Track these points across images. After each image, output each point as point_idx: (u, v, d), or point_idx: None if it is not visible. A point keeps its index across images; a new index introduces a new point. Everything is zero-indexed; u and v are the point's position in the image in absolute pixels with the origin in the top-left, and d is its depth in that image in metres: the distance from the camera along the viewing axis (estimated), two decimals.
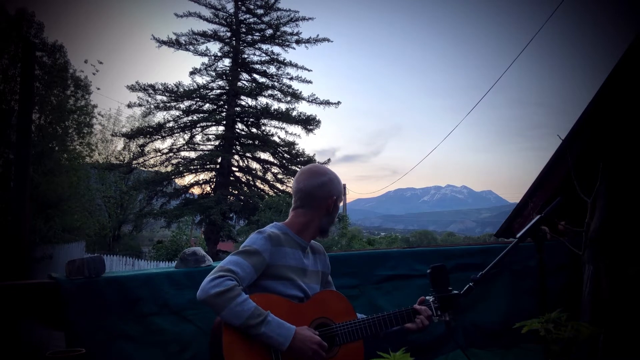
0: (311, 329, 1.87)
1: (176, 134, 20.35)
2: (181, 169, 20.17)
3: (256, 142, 20.30)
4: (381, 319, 2.02)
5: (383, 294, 2.61)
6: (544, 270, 1.82)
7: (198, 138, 20.74)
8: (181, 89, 19.76)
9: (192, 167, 20.42)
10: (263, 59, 20.98)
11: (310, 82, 20.89)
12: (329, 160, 22.00)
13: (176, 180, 20.66)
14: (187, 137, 20.43)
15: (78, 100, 18.67)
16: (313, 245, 2.18)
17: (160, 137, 20.19)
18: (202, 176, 20.91)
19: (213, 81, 20.49)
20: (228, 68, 20.48)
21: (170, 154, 20.50)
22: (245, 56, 20.86)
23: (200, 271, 2.26)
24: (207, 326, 2.04)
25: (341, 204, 2.20)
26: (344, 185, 19.97)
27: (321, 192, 2.04)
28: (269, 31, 20.43)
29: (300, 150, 20.79)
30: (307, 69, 20.84)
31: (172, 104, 19.95)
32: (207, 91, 20.47)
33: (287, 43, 20.61)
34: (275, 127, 20.77)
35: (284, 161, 21.02)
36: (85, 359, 1.67)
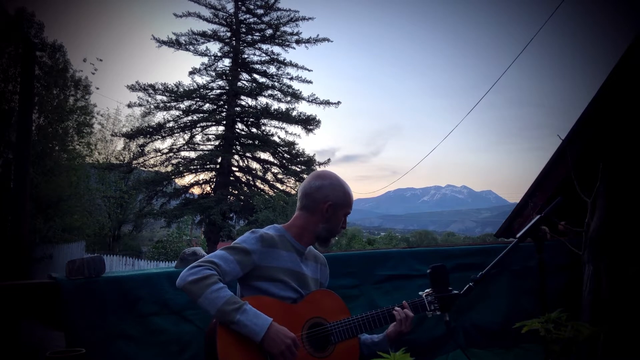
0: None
1: (176, 134, 20.39)
2: (181, 169, 20.19)
3: (256, 142, 20.31)
4: (375, 315, 2.01)
5: (383, 294, 2.61)
6: (544, 270, 1.82)
7: (198, 138, 20.80)
8: (181, 89, 19.78)
9: (192, 167, 20.44)
10: (263, 59, 21.02)
11: (310, 82, 20.95)
12: (328, 160, 22.00)
13: (176, 180, 20.68)
14: (187, 137, 20.48)
15: (78, 101, 18.68)
16: (316, 254, 2.16)
17: (160, 137, 20.22)
18: (202, 176, 20.97)
19: (213, 81, 20.54)
20: (228, 68, 20.50)
21: (170, 154, 20.52)
22: (245, 56, 20.89)
23: None
24: (207, 326, 2.04)
25: (345, 215, 2.05)
26: None
27: (317, 194, 2.00)
28: (269, 31, 20.46)
29: (300, 150, 20.83)
30: (307, 69, 20.91)
31: (172, 104, 19.97)
32: (207, 91, 20.50)
33: (287, 43, 20.64)
34: (275, 127, 20.82)
35: (284, 161, 21.03)
36: (85, 359, 1.67)
